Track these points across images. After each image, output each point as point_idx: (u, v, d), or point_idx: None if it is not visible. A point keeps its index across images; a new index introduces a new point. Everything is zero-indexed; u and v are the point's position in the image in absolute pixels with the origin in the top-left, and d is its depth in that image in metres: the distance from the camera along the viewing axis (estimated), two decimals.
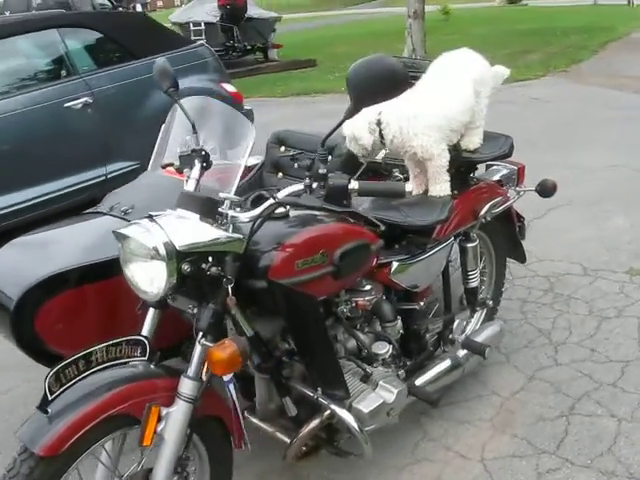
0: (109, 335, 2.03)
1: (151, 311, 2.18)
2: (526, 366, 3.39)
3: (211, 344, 1.97)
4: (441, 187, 2.75)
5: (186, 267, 1.90)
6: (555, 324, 3.74)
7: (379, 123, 2.63)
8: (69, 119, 5.43)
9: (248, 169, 2.32)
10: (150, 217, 1.97)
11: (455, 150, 2.85)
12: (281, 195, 2.04)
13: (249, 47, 15.21)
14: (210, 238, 1.96)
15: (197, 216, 2.00)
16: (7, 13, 15.68)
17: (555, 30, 15.99)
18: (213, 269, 1.95)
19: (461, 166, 2.97)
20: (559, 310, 3.88)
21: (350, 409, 2.25)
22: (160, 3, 52.64)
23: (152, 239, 1.88)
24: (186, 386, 2.01)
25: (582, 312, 3.84)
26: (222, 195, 2.15)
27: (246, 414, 2.48)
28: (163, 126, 3.01)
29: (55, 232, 2.81)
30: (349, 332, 2.46)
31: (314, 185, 2.02)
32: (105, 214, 2.79)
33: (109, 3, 18.25)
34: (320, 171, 2.02)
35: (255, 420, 2.49)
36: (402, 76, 2.03)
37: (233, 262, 2.00)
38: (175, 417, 2.00)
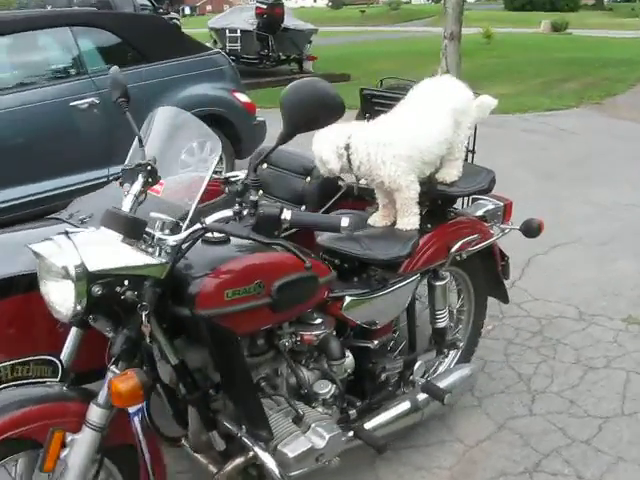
0: (32, 351, 1.93)
1: (73, 330, 2.06)
2: (498, 413, 3.19)
3: (119, 372, 1.84)
4: (409, 220, 2.59)
5: (97, 289, 1.77)
6: (537, 370, 3.54)
7: (347, 147, 2.49)
8: (74, 118, 5.38)
9: (229, 183, 2.20)
10: (66, 234, 1.85)
11: (429, 182, 2.68)
12: (209, 220, 1.91)
13: (283, 57, 15.17)
14: (126, 261, 1.83)
15: (119, 236, 1.88)
16: (49, 7, 15.91)
17: (596, 61, 15.68)
18: (128, 293, 1.83)
19: (437, 199, 2.80)
20: (544, 355, 3.67)
21: (275, 451, 2.10)
22: (209, 7, 53.38)
23: (62, 258, 1.76)
24: (94, 413, 1.89)
25: (568, 360, 3.63)
26: (153, 215, 2.03)
27: (183, 441, 2.36)
28: (138, 134, 2.91)
29: (7, 236, 2.72)
30: (290, 368, 2.30)
31: (245, 212, 1.89)
32: (63, 221, 2.70)
33: (150, 4, 18.40)
34: (251, 198, 1.89)
35: (189, 450, 2.36)
36: (335, 103, 1.90)
37: (152, 288, 1.87)
38: (80, 445, 1.88)
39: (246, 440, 2.09)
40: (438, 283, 2.78)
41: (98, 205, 2.70)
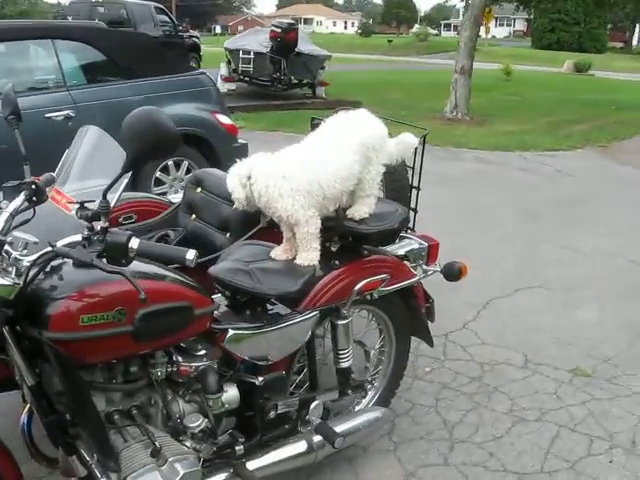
0: None
1: None
2: (411, 460, 3.10)
3: None
4: (307, 255, 2.54)
5: None
6: (465, 418, 3.44)
7: (249, 178, 2.47)
8: (48, 129, 5.39)
9: (82, 208, 2.17)
10: None
11: (337, 218, 2.64)
12: (60, 243, 1.89)
13: (295, 81, 15.29)
14: None
15: None
16: (70, 18, 16.24)
17: (611, 103, 15.61)
18: None
19: (347, 235, 2.75)
20: (476, 403, 3.58)
21: None
22: (241, 27, 54.01)
23: None
24: None
25: (500, 409, 3.53)
26: (16, 234, 2.01)
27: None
28: (67, 150, 2.92)
29: None
30: (161, 398, 2.26)
31: (95, 238, 1.86)
32: None
33: (170, 21, 18.69)
34: (101, 225, 1.86)
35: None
36: (169, 134, 1.87)
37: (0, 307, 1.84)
38: None
39: (95, 470, 2.05)
40: (340, 322, 2.71)
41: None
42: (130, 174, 2.20)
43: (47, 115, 5.38)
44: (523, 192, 7.98)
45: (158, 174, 5.98)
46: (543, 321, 4.59)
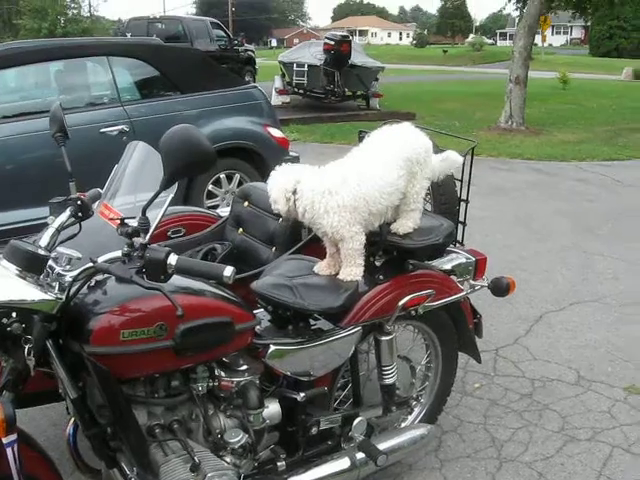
0: None
1: None
2: (457, 479, 3.03)
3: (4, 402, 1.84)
4: (350, 271, 2.51)
5: None
6: (514, 436, 3.35)
7: (294, 192, 2.45)
8: (103, 144, 5.50)
9: (122, 225, 2.18)
10: None
11: (381, 233, 2.60)
12: (101, 259, 1.90)
13: (349, 93, 15.32)
14: (14, 294, 1.84)
15: (15, 269, 1.89)
16: (129, 35, 16.62)
17: None
18: (15, 325, 1.83)
19: (391, 250, 2.71)
20: (526, 421, 3.48)
21: None
22: (297, 40, 54.44)
23: None
24: None
25: (551, 428, 3.43)
26: (60, 250, 2.05)
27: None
28: (116, 165, 2.96)
29: None
30: (202, 412, 2.25)
31: (135, 254, 1.87)
32: None
33: (226, 36, 18.93)
34: (140, 241, 1.87)
35: None
36: (205, 151, 1.87)
37: (42, 322, 1.88)
38: None
39: None
40: (383, 338, 2.67)
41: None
42: (174, 189, 2.22)
43: (102, 130, 5.49)
44: (579, 203, 7.78)
45: (210, 187, 6.05)
46: (597, 337, 4.44)
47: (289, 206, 2.46)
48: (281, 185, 2.46)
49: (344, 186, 2.44)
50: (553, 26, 52.99)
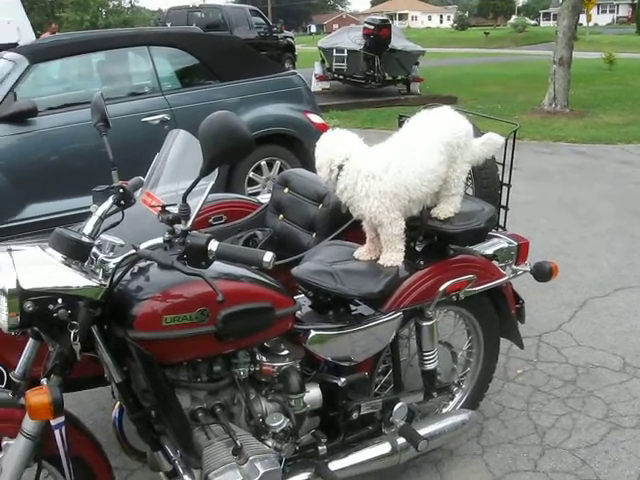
0: None
1: (30, 340, 2.13)
2: (499, 465, 3.01)
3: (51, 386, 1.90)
4: (390, 256, 2.51)
5: (28, 306, 1.84)
6: (557, 423, 3.32)
7: (340, 167, 2.43)
8: (144, 133, 5.56)
9: (163, 212, 2.21)
10: (9, 251, 1.92)
11: (419, 218, 2.59)
12: (143, 246, 1.94)
13: (389, 78, 15.21)
14: (60, 281, 1.88)
15: (61, 256, 1.94)
16: (169, 24, 16.75)
17: None
18: (61, 311, 1.88)
19: (433, 235, 2.70)
20: (570, 408, 3.44)
21: None
22: (336, 26, 54.19)
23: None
24: (27, 422, 1.97)
25: (595, 415, 3.38)
26: (103, 237, 2.08)
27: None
28: (157, 154, 3.00)
29: None
30: (244, 397, 2.28)
31: (176, 241, 1.90)
32: None
33: (265, 23, 18.94)
34: (182, 228, 1.90)
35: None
36: (244, 137, 1.87)
37: (86, 308, 1.92)
38: (13, 451, 1.98)
39: (178, 466, 2.09)
40: (424, 323, 2.67)
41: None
42: (215, 177, 2.24)
43: (144, 119, 5.55)
44: (625, 186, 7.61)
45: (251, 174, 6.07)
46: None
47: (330, 177, 2.45)
48: (329, 156, 2.44)
49: (387, 172, 2.43)
50: (599, 5, 51.72)
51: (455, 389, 2.99)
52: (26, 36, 13.00)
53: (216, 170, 2.35)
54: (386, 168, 2.43)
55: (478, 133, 2.86)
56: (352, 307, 2.56)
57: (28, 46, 6.14)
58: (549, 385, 3.65)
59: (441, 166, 2.52)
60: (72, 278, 1.91)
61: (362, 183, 2.42)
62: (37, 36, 14.09)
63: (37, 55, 5.34)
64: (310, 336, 2.37)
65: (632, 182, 7.78)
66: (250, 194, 5.69)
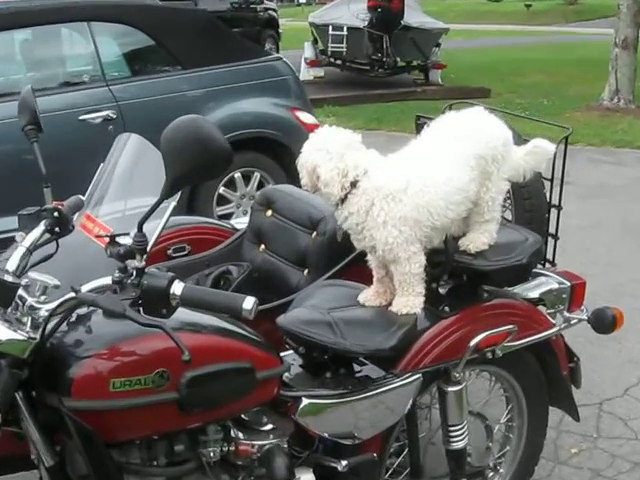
0: None
1: None
2: None
3: None
4: (406, 301, 2.54)
5: None
6: None
7: (354, 185, 2.44)
8: (83, 135, 5.59)
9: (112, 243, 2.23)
10: None
11: (444, 251, 2.63)
12: (86, 288, 1.96)
13: (402, 64, 15.34)
14: None
15: None
16: None
17: None
18: None
19: (461, 273, 2.74)
20: None
21: None
22: None
23: None
24: None
25: None
26: (32, 276, 2.10)
27: None
28: (101, 164, 3.03)
29: None
30: None
31: (129, 281, 1.92)
32: None
33: None
34: (136, 264, 1.93)
35: None
36: (217, 150, 1.90)
37: (10, 368, 1.94)
38: None
39: None
40: (450, 389, 2.70)
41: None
42: (177, 196, 2.27)
43: (82, 117, 5.58)
44: None
45: (222, 190, 6.10)
46: None
47: (340, 195, 2.44)
48: (340, 165, 2.41)
49: (406, 192, 2.44)
50: None
51: (491, 474, 3.02)
52: None
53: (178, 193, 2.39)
54: (405, 187, 2.45)
55: (519, 139, 2.92)
56: (356, 368, 2.60)
57: None
58: (613, 468, 3.68)
59: (471, 184, 2.56)
60: None
61: (380, 205, 2.43)
62: None
63: None
64: (301, 405, 2.39)
65: None
66: (221, 217, 5.72)
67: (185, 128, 1.94)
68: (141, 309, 1.90)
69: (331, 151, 2.43)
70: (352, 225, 2.50)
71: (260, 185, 6.12)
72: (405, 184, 2.45)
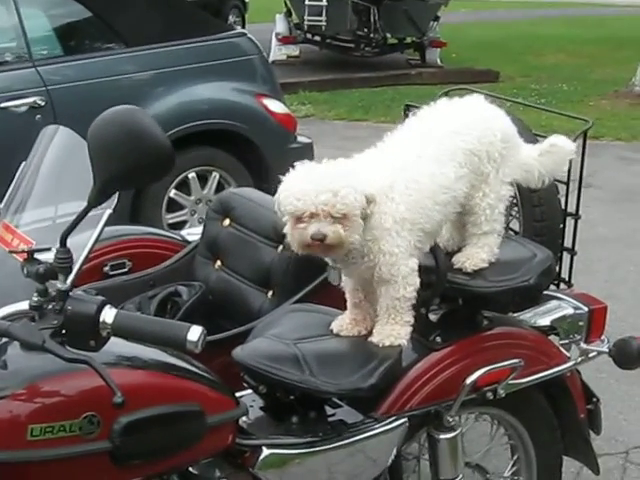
0: None
1: None
2: None
3: None
4: (391, 330, 2.54)
5: None
6: None
7: (369, 201, 2.42)
8: (4, 126, 5.56)
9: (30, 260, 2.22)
10: None
11: (434, 269, 2.64)
12: None
13: (393, 41, 15.38)
14: None
15: None
16: None
17: None
18: None
19: (456, 297, 2.75)
20: None
21: None
22: None
23: None
24: None
25: None
26: None
27: None
28: (23, 163, 3.03)
29: None
30: None
31: (51, 306, 1.92)
32: None
33: None
34: (59, 286, 1.92)
35: None
36: (156, 148, 1.91)
37: None
38: None
39: None
40: (442, 436, 2.70)
41: None
42: (114, 202, 2.28)
43: (3, 105, 5.55)
44: None
45: (173, 193, 6.08)
46: None
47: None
48: (354, 183, 2.37)
49: (397, 189, 2.46)
50: None
51: None
52: None
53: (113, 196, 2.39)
54: (391, 184, 2.46)
55: (530, 136, 2.94)
56: (328, 411, 2.60)
57: None
58: None
59: (459, 183, 2.57)
60: None
61: (380, 208, 2.44)
62: None
63: None
64: (262, 456, 2.39)
65: None
66: (171, 226, 5.72)
67: (116, 121, 1.95)
68: (64, 341, 1.89)
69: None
70: (362, 240, 2.45)
71: (219, 187, 6.09)
72: (391, 181, 2.47)
